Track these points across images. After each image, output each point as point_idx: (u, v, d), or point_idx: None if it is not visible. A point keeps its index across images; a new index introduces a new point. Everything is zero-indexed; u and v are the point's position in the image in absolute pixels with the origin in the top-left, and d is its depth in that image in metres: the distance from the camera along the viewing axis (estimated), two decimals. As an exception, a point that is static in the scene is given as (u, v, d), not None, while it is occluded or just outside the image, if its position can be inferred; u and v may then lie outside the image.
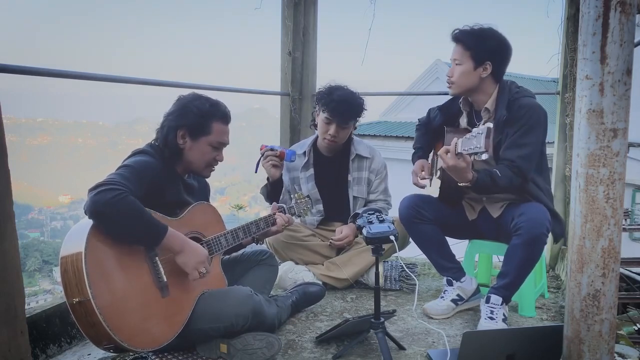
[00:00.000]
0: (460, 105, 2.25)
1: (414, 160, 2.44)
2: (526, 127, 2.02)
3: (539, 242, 1.96)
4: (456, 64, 2.13)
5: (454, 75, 2.14)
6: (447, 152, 1.88)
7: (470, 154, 1.79)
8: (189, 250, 1.69)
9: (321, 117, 2.54)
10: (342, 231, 2.61)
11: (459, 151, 1.83)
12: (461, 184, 1.97)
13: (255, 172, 2.44)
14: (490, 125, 1.70)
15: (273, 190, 2.43)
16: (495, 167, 2.00)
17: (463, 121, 2.26)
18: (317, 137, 2.68)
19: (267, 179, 2.44)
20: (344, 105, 2.48)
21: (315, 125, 2.65)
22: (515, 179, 1.99)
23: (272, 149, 2.40)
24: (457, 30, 2.13)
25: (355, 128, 2.66)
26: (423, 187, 2.33)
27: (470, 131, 2.16)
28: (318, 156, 2.70)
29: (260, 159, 2.40)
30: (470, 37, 2.09)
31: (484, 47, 2.08)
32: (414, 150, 2.49)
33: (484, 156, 1.70)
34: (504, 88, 2.13)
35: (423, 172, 2.33)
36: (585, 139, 1.25)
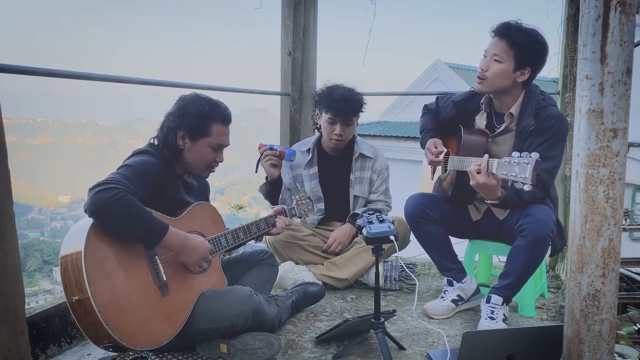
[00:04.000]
0: (482, 106, 2.17)
1: (424, 142, 2.35)
2: (553, 140, 1.97)
3: (544, 244, 1.95)
4: (495, 60, 1.98)
5: (489, 71, 2.00)
6: (478, 169, 1.82)
7: (510, 181, 1.72)
8: (190, 248, 1.70)
9: (324, 118, 2.55)
10: (333, 234, 2.62)
11: (494, 172, 1.78)
12: (488, 201, 1.93)
13: (256, 171, 2.42)
14: (538, 156, 1.64)
15: (272, 190, 2.43)
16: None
17: (481, 122, 2.18)
18: (321, 136, 2.68)
19: (266, 178, 2.44)
20: (346, 103, 2.48)
21: (318, 128, 2.65)
22: (539, 193, 1.96)
23: (271, 148, 2.37)
24: (505, 24, 1.98)
25: (357, 125, 2.66)
26: (439, 163, 2.26)
27: (487, 134, 2.13)
28: (322, 154, 2.70)
29: (259, 158, 2.39)
30: (520, 36, 1.95)
31: (530, 50, 1.96)
32: (422, 133, 2.39)
33: (527, 187, 1.65)
34: (531, 93, 2.05)
35: (437, 148, 2.24)
36: (585, 139, 1.25)
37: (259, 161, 2.39)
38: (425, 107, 2.46)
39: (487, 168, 1.81)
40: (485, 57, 2.04)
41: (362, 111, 2.60)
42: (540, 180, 1.94)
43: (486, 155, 1.85)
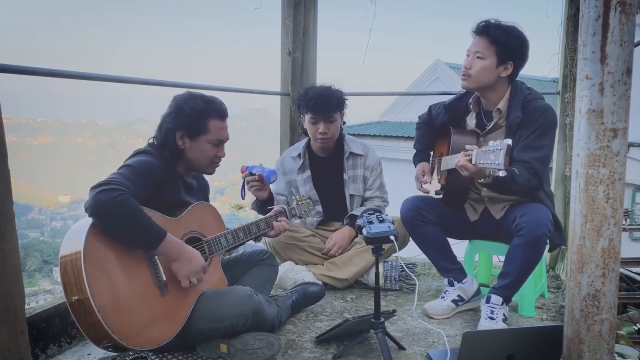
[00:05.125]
0: (470, 105, 2.21)
1: (415, 162, 2.42)
2: (541, 130, 2.01)
3: (541, 243, 1.96)
4: (477, 57, 2.05)
5: (472, 68, 2.06)
6: (470, 160, 1.86)
7: (487, 169, 1.78)
8: (185, 259, 1.68)
9: (307, 119, 2.57)
10: (331, 239, 2.61)
11: (474, 163, 1.83)
12: (481, 180, 1.96)
13: (242, 197, 2.29)
14: (510, 142, 1.69)
15: (263, 206, 2.35)
16: (512, 167, 1.96)
17: (471, 122, 2.21)
18: (310, 139, 2.68)
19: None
20: (322, 99, 2.50)
21: (306, 132, 2.66)
22: (532, 179, 1.98)
23: (251, 173, 2.23)
24: (485, 23, 2.05)
25: (343, 123, 2.65)
26: (428, 192, 2.32)
27: (477, 133, 2.16)
28: (313, 157, 2.70)
29: (243, 183, 2.27)
30: (500, 32, 2.02)
31: (511, 45, 2.02)
32: (415, 151, 2.47)
33: (501, 173, 1.69)
34: (517, 89, 2.10)
35: (425, 177, 2.32)
36: (585, 139, 1.25)
37: (243, 186, 2.27)
38: (419, 119, 2.50)
39: (472, 159, 1.86)
40: (468, 56, 2.10)
41: (343, 107, 2.60)
42: (533, 169, 1.97)
43: (468, 146, 1.91)
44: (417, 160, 2.42)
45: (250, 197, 2.36)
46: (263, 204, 2.32)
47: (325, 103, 2.51)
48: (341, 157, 2.67)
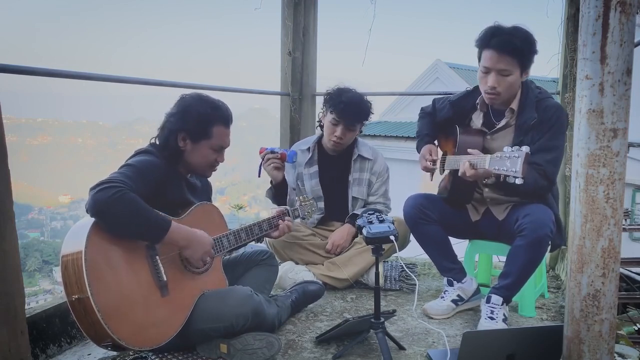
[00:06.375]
0: (478, 105, 2.18)
1: (419, 147, 2.38)
2: (554, 130, 2.00)
3: (543, 244, 1.95)
4: (503, 75, 1.98)
5: (500, 86, 1.99)
6: (473, 166, 1.85)
7: (502, 175, 1.76)
8: (195, 243, 1.71)
9: (328, 117, 2.55)
10: (331, 238, 2.62)
11: (487, 168, 1.81)
12: (485, 181, 1.95)
13: (259, 176, 2.39)
14: (528, 150, 1.67)
15: (278, 193, 2.40)
16: None
17: (478, 121, 2.19)
18: (322, 135, 2.68)
19: (271, 182, 2.41)
20: (352, 107, 2.48)
21: (321, 126, 2.66)
22: (540, 180, 1.97)
23: (272, 152, 2.34)
24: (500, 39, 1.95)
25: (361, 132, 2.66)
26: (433, 170, 2.30)
27: (484, 132, 2.15)
28: (322, 154, 2.70)
29: (261, 162, 2.36)
30: (518, 42, 1.95)
31: (528, 53, 1.98)
32: (418, 138, 2.43)
33: (517, 181, 1.68)
34: (528, 88, 2.08)
35: (431, 156, 2.29)
36: (585, 139, 1.25)
37: (261, 165, 2.36)
38: (422, 110, 2.47)
39: (482, 165, 1.84)
40: (486, 73, 2.02)
41: (367, 120, 2.60)
42: (544, 170, 1.97)
43: (477, 151, 1.91)
44: (423, 144, 2.36)
45: (265, 178, 2.38)
46: (277, 190, 2.34)
47: (354, 111, 2.50)
48: (349, 158, 2.67)
